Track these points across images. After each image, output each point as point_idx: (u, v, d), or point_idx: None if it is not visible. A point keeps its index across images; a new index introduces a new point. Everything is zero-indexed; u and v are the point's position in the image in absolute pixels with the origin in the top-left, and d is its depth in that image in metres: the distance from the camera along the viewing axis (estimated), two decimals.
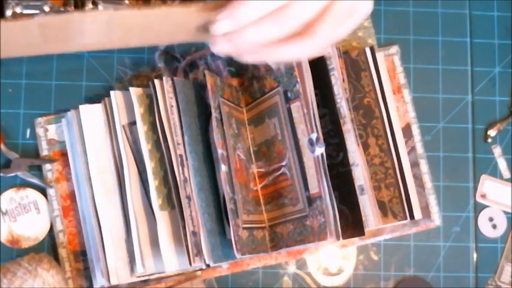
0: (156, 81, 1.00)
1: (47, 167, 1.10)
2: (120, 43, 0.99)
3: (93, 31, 0.93)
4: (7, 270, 1.02)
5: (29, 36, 0.91)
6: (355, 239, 1.11)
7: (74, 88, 1.13)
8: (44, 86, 1.13)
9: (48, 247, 1.10)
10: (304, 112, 1.00)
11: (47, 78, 1.14)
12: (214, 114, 0.99)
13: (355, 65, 1.10)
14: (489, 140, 1.17)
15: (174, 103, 0.99)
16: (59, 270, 1.04)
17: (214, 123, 0.98)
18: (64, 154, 1.09)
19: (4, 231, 1.09)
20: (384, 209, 1.06)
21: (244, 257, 0.98)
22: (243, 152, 1.05)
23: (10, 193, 1.10)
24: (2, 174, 1.09)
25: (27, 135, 1.12)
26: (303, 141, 1.01)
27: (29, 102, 1.13)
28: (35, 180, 1.10)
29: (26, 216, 1.09)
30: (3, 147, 1.10)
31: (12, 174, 1.10)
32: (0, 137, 1.10)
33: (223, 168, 0.97)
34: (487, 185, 1.16)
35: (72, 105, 1.10)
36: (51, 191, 1.09)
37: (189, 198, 0.98)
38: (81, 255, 1.08)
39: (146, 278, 1.04)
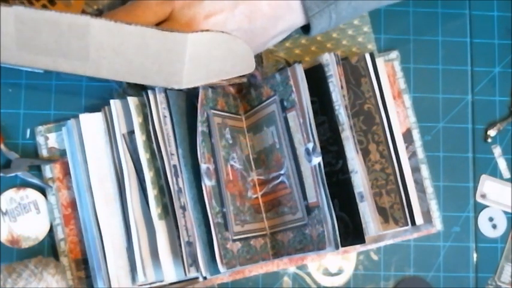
0: (149, 92, 1.00)
1: (47, 167, 1.10)
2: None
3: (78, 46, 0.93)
4: (13, 270, 1.03)
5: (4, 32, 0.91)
6: (357, 245, 1.11)
7: (74, 88, 1.13)
8: (44, 86, 1.13)
9: (48, 247, 1.11)
10: (301, 122, 1.00)
11: (47, 78, 1.13)
12: (201, 128, 0.98)
13: (355, 71, 1.09)
14: (489, 140, 1.17)
15: (167, 113, 0.99)
16: (64, 277, 1.05)
17: (199, 137, 0.98)
18: (65, 162, 1.10)
19: (4, 231, 1.10)
20: (385, 215, 1.06)
21: (235, 269, 0.99)
22: (238, 162, 1.05)
23: (10, 193, 1.10)
24: (2, 174, 1.10)
25: (27, 135, 1.12)
26: (300, 151, 1.01)
27: (29, 102, 1.13)
28: (35, 180, 1.10)
29: (26, 216, 1.10)
30: (3, 147, 1.10)
31: (12, 174, 1.10)
32: (0, 137, 1.10)
33: (208, 182, 0.97)
34: (487, 185, 1.16)
35: (72, 105, 1.11)
36: (52, 199, 1.10)
37: (183, 208, 0.98)
38: (83, 263, 1.09)
39: (148, 286, 1.04)
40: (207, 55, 0.97)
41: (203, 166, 0.97)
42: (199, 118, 0.99)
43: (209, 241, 0.98)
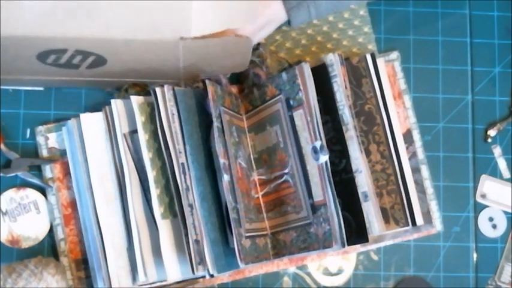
0: (158, 89, 0.99)
1: (47, 167, 1.10)
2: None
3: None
4: (13, 270, 1.02)
5: None
6: (357, 245, 1.11)
7: (74, 88, 1.12)
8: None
9: (48, 247, 1.10)
10: (308, 120, 1.00)
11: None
12: (216, 123, 0.98)
13: (356, 71, 1.09)
14: (489, 140, 1.17)
15: (175, 111, 0.99)
16: (64, 277, 1.04)
17: (215, 132, 0.98)
18: (65, 162, 1.09)
19: (4, 231, 1.09)
20: (385, 215, 1.06)
21: (247, 266, 0.98)
22: (243, 160, 1.05)
23: (10, 193, 1.10)
24: (2, 174, 1.09)
25: (27, 135, 1.11)
26: (307, 149, 1.01)
27: (29, 102, 1.12)
28: (35, 180, 1.09)
29: (26, 216, 1.09)
30: (3, 147, 1.09)
31: (12, 174, 1.09)
32: (0, 137, 1.09)
33: (226, 178, 0.97)
34: (487, 185, 1.16)
35: (72, 105, 1.11)
36: (52, 199, 1.09)
37: (191, 206, 0.97)
38: (83, 263, 1.08)
39: (148, 286, 1.03)
40: None
41: (221, 161, 0.97)
42: (213, 114, 0.98)
43: (216, 239, 0.98)
